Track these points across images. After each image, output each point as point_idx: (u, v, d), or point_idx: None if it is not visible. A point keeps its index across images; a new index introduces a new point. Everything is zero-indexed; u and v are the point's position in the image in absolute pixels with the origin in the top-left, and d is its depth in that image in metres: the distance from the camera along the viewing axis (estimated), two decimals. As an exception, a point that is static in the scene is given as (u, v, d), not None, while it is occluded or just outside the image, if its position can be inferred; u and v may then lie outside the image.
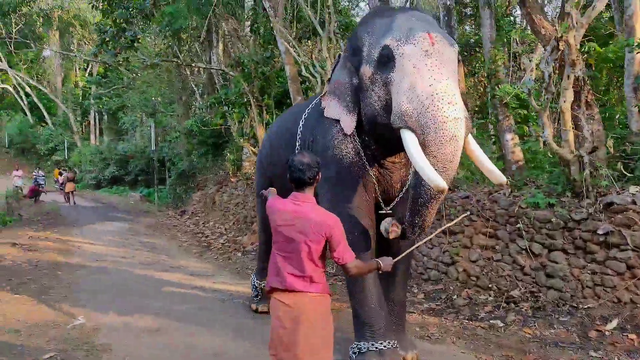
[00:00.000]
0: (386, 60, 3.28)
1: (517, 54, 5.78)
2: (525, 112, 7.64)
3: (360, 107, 3.60)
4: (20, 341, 4.35)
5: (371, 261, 2.82)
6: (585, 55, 7.32)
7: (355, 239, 3.59)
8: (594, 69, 7.50)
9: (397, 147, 3.40)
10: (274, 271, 2.68)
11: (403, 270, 3.95)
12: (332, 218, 2.64)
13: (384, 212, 3.76)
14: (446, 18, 9.69)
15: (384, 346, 3.56)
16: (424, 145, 3.07)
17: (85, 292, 6.20)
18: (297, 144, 4.24)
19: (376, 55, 3.36)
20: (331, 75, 3.88)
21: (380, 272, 2.82)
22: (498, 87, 6.29)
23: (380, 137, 3.57)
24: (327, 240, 2.57)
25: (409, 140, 3.12)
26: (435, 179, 2.94)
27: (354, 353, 3.64)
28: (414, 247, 3.36)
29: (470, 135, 3.27)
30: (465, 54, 12.58)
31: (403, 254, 3.19)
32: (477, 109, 10.17)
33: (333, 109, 3.71)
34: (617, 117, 7.02)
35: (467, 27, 13.03)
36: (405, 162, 3.76)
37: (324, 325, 2.63)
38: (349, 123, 3.62)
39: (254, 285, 5.37)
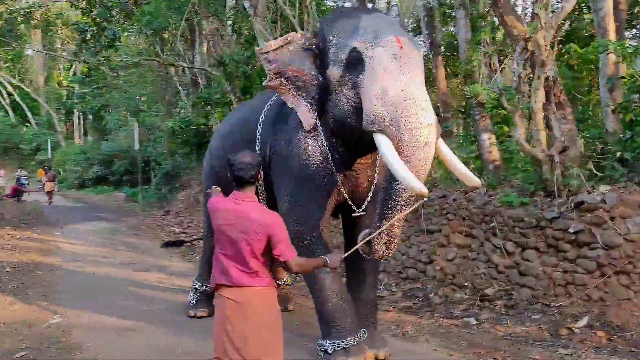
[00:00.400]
0: (355, 63, 3.25)
1: (487, 54, 5.85)
2: (505, 112, 7.74)
3: (326, 107, 3.54)
4: (-6, 341, 4.34)
5: (317, 258, 2.85)
6: (567, 56, 7.46)
7: (314, 239, 3.63)
8: (575, 69, 7.63)
9: (367, 148, 3.42)
10: (219, 269, 2.70)
11: (371, 269, 3.96)
12: (272, 217, 2.68)
13: (356, 214, 3.74)
14: (426, 18, 9.79)
15: (350, 343, 3.59)
16: (398, 150, 3.05)
17: (63, 292, 6.17)
18: (257, 141, 4.12)
19: (344, 58, 3.32)
20: (272, 51, 3.64)
21: (328, 268, 2.87)
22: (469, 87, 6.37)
23: (349, 138, 3.53)
24: (269, 238, 2.60)
25: (384, 144, 3.09)
26: (414, 183, 2.93)
27: (321, 352, 3.68)
28: (363, 241, 3.25)
29: (441, 139, 3.27)
30: (449, 54, 12.71)
31: (352, 250, 3.19)
32: (461, 109, 10.28)
33: (289, 97, 3.63)
34: (597, 116, 7.13)
35: (452, 28, 13.15)
36: (370, 163, 3.76)
37: (272, 319, 2.65)
38: (310, 120, 3.59)
39: (195, 288, 5.13)
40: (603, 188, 4.73)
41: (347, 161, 3.67)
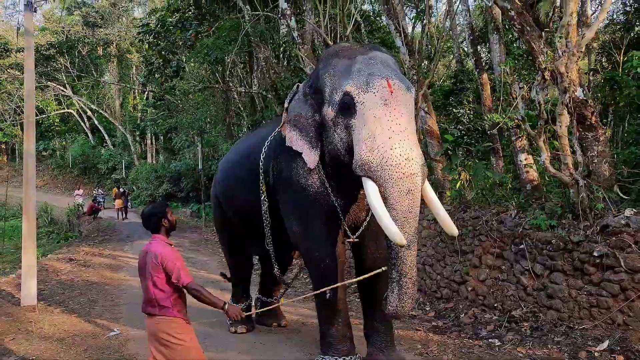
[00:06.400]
0: (347, 107, 3.44)
1: (506, 84, 5.94)
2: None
3: (323, 142, 3.79)
4: (63, 350, 4.99)
5: (218, 298, 3.19)
6: (629, 64, 7.19)
7: (326, 266, 3.92)
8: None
9: (359, 184, 3.57)
10: (142, 298, 3.20)
11: (385, 291, 4.18)
12: (165, 249, 3.10)
13: (351, 240, 3.97)
14: (471, 37, 9.92)
15: None
16: (384, 197, 3.22)
17: (125, 305, 6.85)
18: (260, 171, 4.39)
19: (338, 100, 3.51)
20: (288, 105, 4.04)
21: (222, 311, 3.21)
22: (491, 113, 6.44)
23: (343, 172, 3.75)
24: (164, 268, 3.03)
25: (371, 190, 3.28)
26: (394, 233, 3.10)
27: None
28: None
29: (427, 183, 3.45)
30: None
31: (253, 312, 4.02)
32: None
33: (295, 141, 3.86)
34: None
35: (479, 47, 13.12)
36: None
37: (176, 344, 3.06)
38: (312, 158, 3.79)
39: None
40: (628, 211, 4.73)
41: (341, 190, 3.91)
